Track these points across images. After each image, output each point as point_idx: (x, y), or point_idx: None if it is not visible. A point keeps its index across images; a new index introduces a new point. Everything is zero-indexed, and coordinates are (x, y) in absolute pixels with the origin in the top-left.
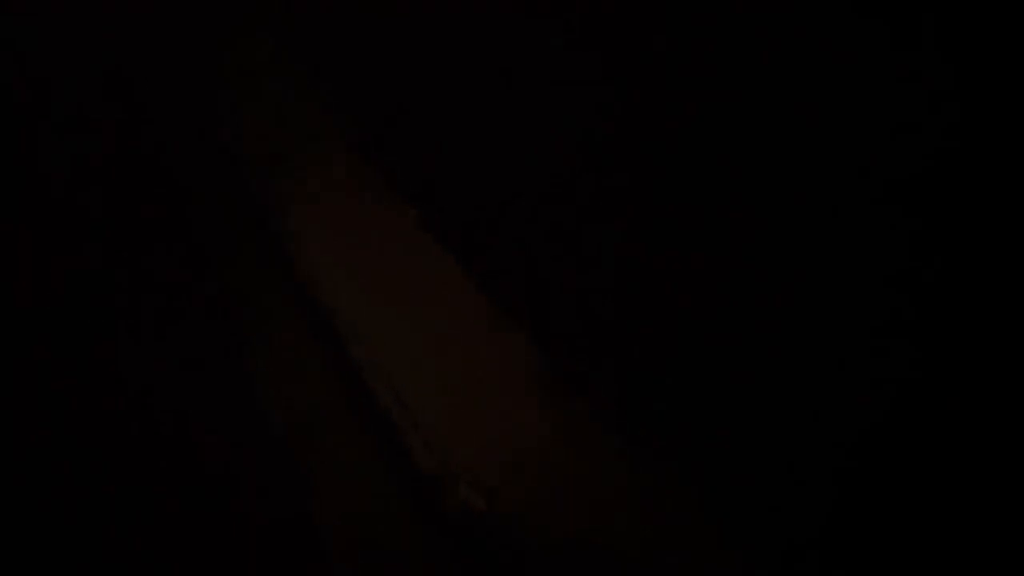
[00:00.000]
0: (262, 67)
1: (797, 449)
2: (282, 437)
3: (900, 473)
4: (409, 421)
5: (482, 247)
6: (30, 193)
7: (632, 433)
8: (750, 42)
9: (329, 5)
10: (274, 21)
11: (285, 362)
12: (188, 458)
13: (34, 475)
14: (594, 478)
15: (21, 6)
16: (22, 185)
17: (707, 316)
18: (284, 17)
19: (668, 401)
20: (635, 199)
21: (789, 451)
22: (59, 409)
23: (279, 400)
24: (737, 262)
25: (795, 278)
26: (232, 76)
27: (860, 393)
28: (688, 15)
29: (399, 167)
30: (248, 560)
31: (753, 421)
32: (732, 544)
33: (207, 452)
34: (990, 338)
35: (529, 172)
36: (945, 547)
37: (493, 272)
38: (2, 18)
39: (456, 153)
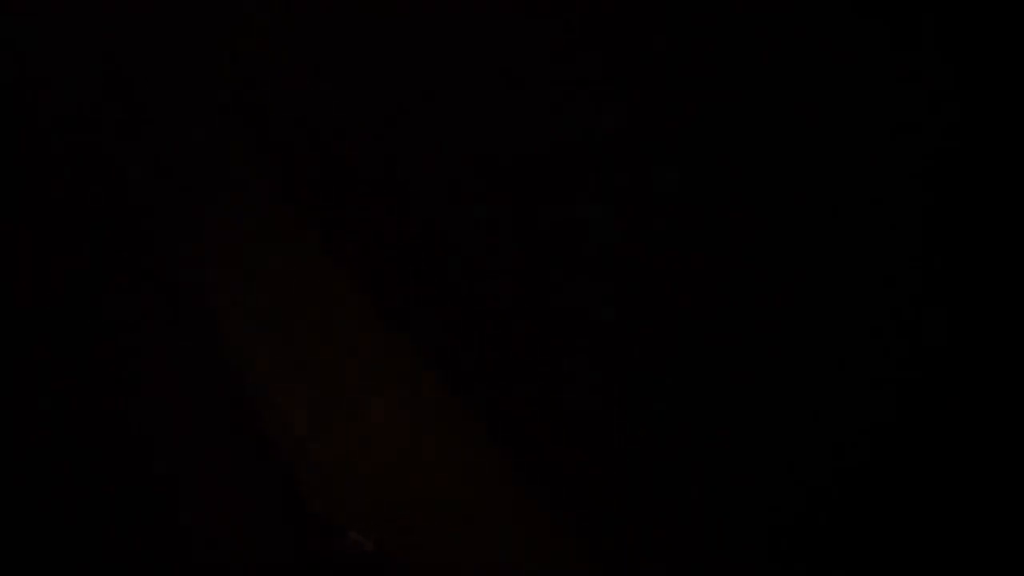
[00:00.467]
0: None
1: (795, 451)
2: (166, 475)
3: (900, 474)
4: (301, 461)
5: (396, 282)
6: (29, 193)
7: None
8: (750, 42)
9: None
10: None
11: (175, 391)
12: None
13: (34, 475)
14: (491, 517)
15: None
16: (22, 185)
17: (701, 319)
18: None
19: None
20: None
21: (787, 453)
22: (59, 409)
23: (166, 434)
24: (736, 262)
25: (791, 278)
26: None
27: (860, 394)
28: (688, 14)
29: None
30: None
31: (749, 424)
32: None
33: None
34: (990, 338)
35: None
36: (944, 548)
37: (402, 306)
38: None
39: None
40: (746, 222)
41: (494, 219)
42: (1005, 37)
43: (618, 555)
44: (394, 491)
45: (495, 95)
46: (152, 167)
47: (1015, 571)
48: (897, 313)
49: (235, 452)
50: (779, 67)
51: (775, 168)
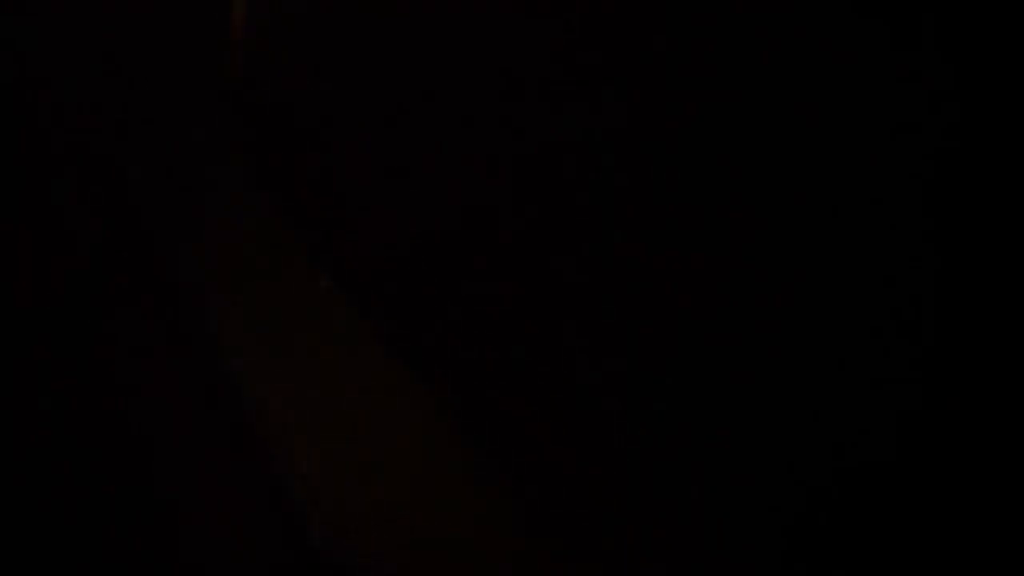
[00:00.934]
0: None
1: (796, 451)
2: (166, 501)
3: (901, 474)
4: (309, 498)
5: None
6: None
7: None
8: (750, 41)
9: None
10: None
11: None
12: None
13: (34, 474)
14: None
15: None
16: (23, 186)
17: (700, 320)
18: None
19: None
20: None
21: (787, 453)
22: (59, 409)
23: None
24: (735, 263)
25: (791, 277)
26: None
27: (860, 394)
28: (687, 14)
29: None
30: None
31: (749, 424)
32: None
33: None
34: (992, 339)
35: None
36: (945, 548)
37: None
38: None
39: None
40: (745, 221)
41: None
42: (1005, 37)
43: (617, 556)
44: (411, 531)
45: (497, 98)
46: (152, 167)
47: (1015, 571)
48: (897, 312)
49: (233, 461)
50: (779, 66)
51: (773, 168)
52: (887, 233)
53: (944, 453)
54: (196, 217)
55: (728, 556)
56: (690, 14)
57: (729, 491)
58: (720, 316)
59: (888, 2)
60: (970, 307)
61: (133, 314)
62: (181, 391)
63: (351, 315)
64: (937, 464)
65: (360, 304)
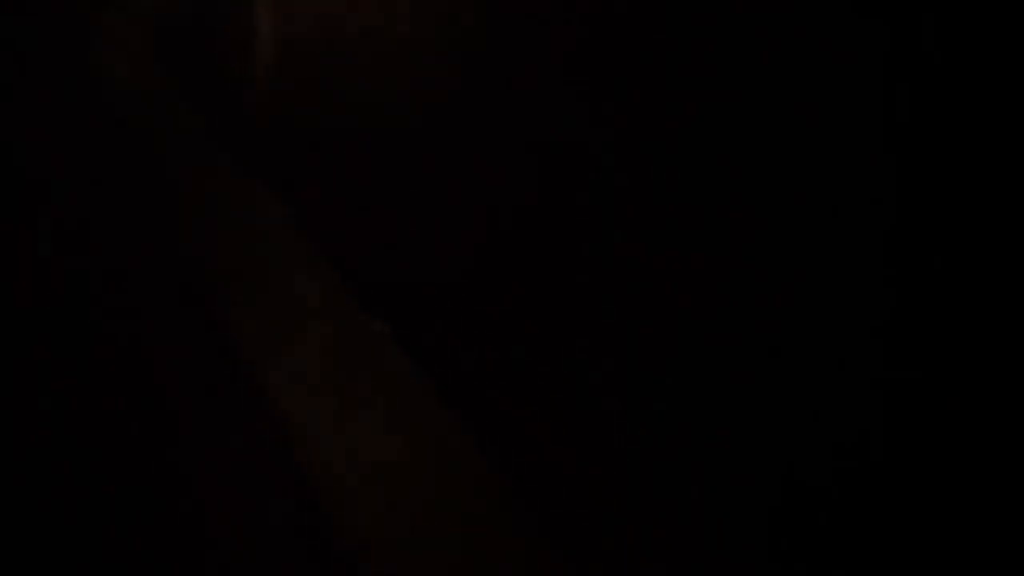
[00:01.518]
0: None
1: (795, 451)
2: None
3: (901, 474)
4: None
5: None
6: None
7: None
8: (749, 40)
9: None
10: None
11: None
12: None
13: (34, 475)
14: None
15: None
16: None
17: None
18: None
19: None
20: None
21: (787, 453)
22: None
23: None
24: (735, 263)
25: (788, 279)
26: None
27: (859, 394)
28: (687, 13)
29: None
30: None
31: (748, 424)
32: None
33: None
34: (991, 339)
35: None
36: (944, 548)
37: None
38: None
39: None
40: (744, 220)
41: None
42: (1006, 37)
43: (618, 556)
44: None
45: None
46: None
47: (1015, 571)
48: (896, 314)
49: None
50: (778, 66)
51: (772, 168)
52: (886, 232)
53: (938, 452)
54: (239, 258)
55: (726, 555)
56: (690, 12)
57: (729, 491)
58: (719, 314)
59: (888, 2)
60: (969, 306)
61: (182, 362)
62: (231, 440)
63: (404, 359)
64: (930, 463)
65: (413, 348)
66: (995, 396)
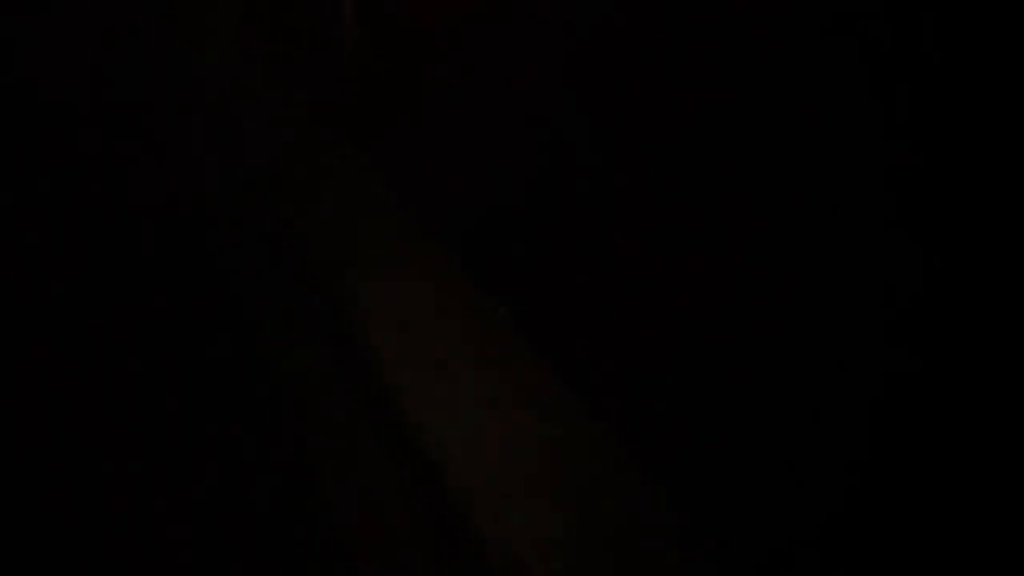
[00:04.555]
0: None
1: (797, 450)
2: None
3: (902, 475)
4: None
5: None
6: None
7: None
8: (749, 41)
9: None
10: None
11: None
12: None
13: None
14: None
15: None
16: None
17: (707, 316)
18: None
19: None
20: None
21: (789, 452)
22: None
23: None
24: (739, 263)
25: (791, 278)
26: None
27: (860, 394)
28: (687, 13)
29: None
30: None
31: (751, 422)
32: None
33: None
34: (991, 338)
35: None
36: (945, 549)
37: (592, 381)
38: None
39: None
40: (744, 222)
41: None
42: (1005, 38)
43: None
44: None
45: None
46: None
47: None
48: (898, 314)
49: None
50: (778, 66)
51: (773, 168)
52: (887, 233)
53: (944, 452)
54: (362, 249)
55: (730, 556)
56: (690, 12)
57: (734, 491)
58: (720, 313)
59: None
60: (970, 306)
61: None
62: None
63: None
64: (936, 463)
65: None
66: (996, 397)
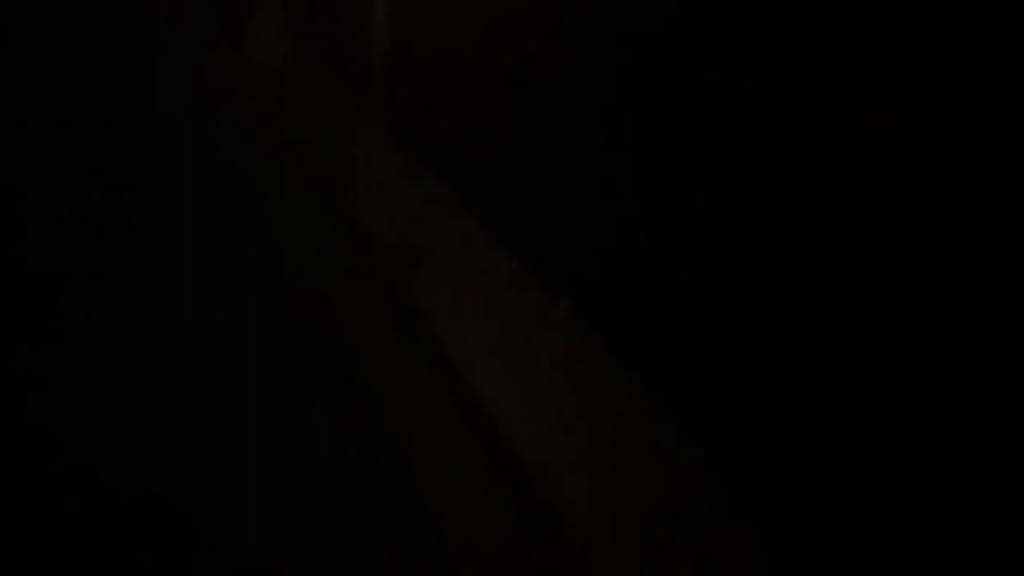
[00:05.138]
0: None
1: (804, 448)
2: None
3: (908, 475)
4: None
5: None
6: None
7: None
8: (754, 39)
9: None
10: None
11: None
12: None
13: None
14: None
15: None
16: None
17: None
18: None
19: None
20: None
21: (796, 450)
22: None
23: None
24: (745, 258)
25: (803, 275)
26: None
27: (866, 393)
28: (692, 12)
29: (546, 253)
30: None
31: (757, 419)
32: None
33: None
34: (997, 337)
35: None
36: (950, 548)
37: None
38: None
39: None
40: (752, 218)
41: None
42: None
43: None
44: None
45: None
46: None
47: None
48: (904, 312)
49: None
50: (781, 63)
51: (776, 164)
52: (892, 228)
53: (943, 451)
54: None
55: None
56: (694, 11)
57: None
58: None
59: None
60: (975, 304)
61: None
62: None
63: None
64: (936, 462)
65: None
66: (1001, 397)
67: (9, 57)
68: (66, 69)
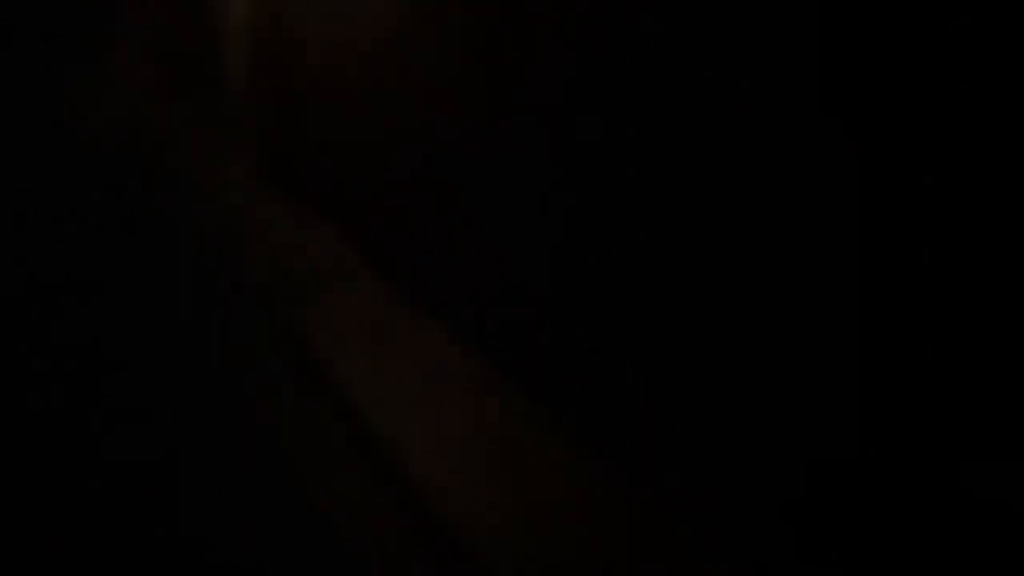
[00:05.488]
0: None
1: (778, 451)
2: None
3: (900, 472)
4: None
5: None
6: None
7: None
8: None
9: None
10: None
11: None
12: None
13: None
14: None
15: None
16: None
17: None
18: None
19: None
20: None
21: (768, 454)
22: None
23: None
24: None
25: (771, 278)
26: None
27: (843, 396)
28: (678, 22)
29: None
30: None
31: (730, 425)
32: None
33: None
34: (982, 336)
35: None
36: (944, 547)
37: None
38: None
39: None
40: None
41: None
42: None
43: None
44: None
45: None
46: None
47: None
48: (888, 310)
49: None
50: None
51: (754, 167)
52: (865, 232)
53: (943, 451)
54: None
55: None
56: (681, 21)
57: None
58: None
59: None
60: (960, 304)
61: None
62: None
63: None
64: (935, 462)
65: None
66: (989, 395)
67: None
68: None
